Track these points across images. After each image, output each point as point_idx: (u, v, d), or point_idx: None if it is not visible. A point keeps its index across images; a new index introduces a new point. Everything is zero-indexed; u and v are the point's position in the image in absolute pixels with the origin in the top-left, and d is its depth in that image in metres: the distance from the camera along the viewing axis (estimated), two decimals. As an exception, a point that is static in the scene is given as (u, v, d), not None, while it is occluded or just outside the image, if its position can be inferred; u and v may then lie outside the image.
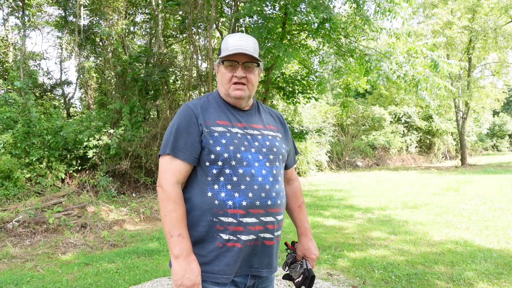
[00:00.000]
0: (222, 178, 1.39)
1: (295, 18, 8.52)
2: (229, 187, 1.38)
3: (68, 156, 8.73)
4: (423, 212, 7.04)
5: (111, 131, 8.96)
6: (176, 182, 1.39)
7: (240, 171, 1.39)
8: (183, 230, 1.36)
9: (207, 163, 1.40)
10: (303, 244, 1.67)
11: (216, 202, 1.38)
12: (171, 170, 1.40)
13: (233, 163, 1.39)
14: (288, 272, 1.66)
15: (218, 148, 1.39)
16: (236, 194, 1.38)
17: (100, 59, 12.36)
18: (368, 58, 8.76)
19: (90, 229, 5.94)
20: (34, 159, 8.04)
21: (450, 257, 4.31)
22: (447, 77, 17.75)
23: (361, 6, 8.48)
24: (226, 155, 1.39)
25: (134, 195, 8.81)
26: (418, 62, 8.18)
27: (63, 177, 8.32)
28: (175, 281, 1.33)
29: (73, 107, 14.93)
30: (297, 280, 1.58)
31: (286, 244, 1.74)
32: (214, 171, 1.39)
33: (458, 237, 5.18)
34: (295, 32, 10.04)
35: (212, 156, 1.39)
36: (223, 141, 1.40)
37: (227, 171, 1.39)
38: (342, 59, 10.05)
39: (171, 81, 11.64)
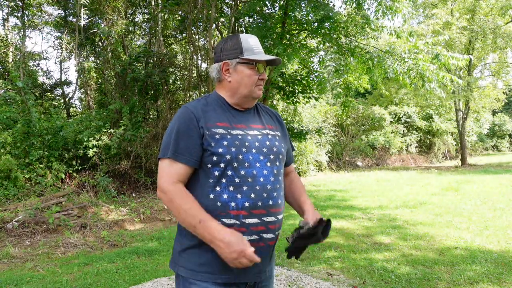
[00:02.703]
0: (224, 180, 1.38)
1: (296, 14, 8.51)
2: (231, 188, 1.38)
3: (68, 156, 8.73)
4: (423, 212, 7.04)
5: (111, 131, 8.96)
6: (177, 181, 1.39)
7: (242, 172, 1.39)
8: (202, 215, 1.33)
9: (209, 165, 1.40)
10: (309, 213, 1.56)
11: (219, 204, 1.38)
12: (171, 172, 1.39)
13: (235, 164, 1.39)
14: (295, 237, 1.46)
15: (220, 150, 1.38)
16: (239, 196, 1.38)
17: (100, 59, 12.36)
18: (370, 56, 8.75)
19: (90, 229, 5.94)
20: (34, 159, 8.03)
21: (450, 257, 4.30)
22: (453, 72, 17.72)
23: (362, 4, 8.48)
24: (228, 156, 1.38)
25: (134, 195, 8.81)
26: (420, 57, 8.18)
27: (63, 177, 8.31)
28: (230, 263, 1.31)
29: (73, 107, 14.92)
30: (311, 227, 1.43)
31: (287, 239, 1.57)
32: (216, 173, 1.39)
33: (458, 237, 5.18)
34: (294, 32, 10.03)
35: (214, 158, 1.39)
36: (225, 143, 1.40)
37: (229, 172, 1.39)
38: (342, 58, 10.05)
39: (171, 81, 11.64)
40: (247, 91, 1.49)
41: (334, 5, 8.95)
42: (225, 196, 1.37)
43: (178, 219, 1.37)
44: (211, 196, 1.38)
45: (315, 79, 10.91)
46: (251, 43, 1.50)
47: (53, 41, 19.22)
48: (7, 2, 11.58)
